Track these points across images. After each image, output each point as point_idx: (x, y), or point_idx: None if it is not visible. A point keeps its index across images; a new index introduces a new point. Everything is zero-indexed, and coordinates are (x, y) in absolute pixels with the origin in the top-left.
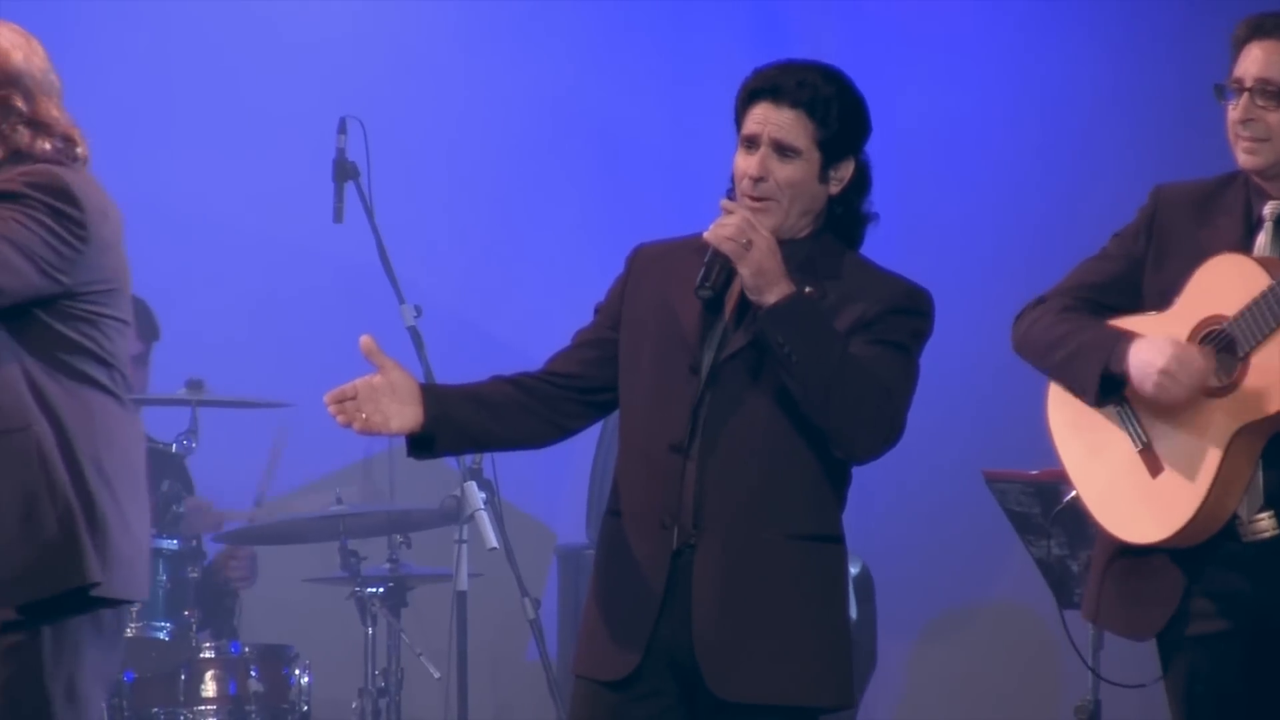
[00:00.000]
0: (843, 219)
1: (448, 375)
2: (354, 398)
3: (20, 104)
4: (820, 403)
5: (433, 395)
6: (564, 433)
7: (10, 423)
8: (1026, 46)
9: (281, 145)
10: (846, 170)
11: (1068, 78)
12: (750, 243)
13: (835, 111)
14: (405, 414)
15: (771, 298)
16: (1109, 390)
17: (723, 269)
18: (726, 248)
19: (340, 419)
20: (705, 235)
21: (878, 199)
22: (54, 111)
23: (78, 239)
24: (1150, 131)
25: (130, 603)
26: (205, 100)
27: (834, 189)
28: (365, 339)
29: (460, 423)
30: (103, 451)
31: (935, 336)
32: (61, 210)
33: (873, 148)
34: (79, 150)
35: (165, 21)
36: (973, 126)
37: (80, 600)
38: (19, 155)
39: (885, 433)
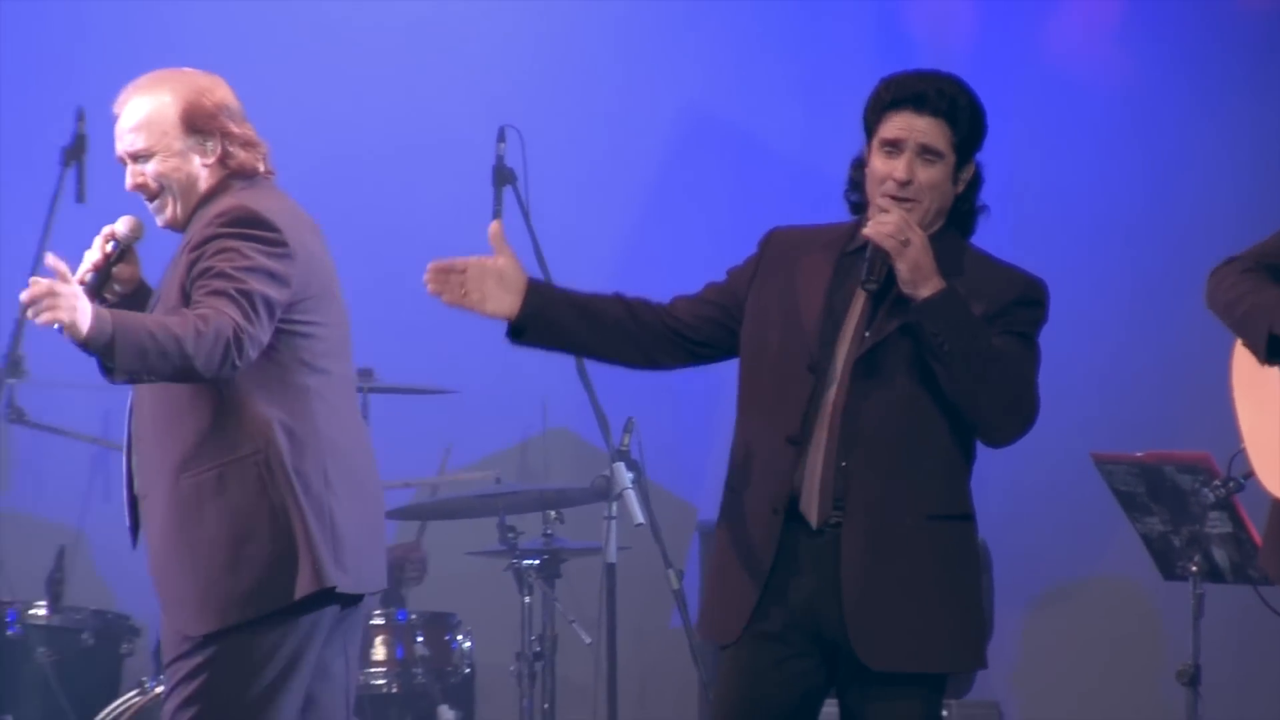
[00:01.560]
0: (962, 213)
1: (601, 366)
2: (462, 272)
3: (234, 129)
4: (970, 391)
5: (536, 292)
6: (653, 366)
7: (241, 450)
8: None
9: (447, 152)
10: (969, 171)
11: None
12: (908, 240)
13: (967, 117)
14: (503, 301)
15: (925, 291)
16: (1276, 351)
17: (884, 265)
18: (887, 245)
19: (432, 287)
20: (865, 232)
21: (990, 193)
22: (252, 132)
23: (283, 262)
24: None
25: (358, 597)
26: (382, 111)
27: (959, 189)
28: (495, 224)
29: (556, 325)
30: (328, 460)
31: (1046, 327)
32: (262, 236)
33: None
34: (263, 169)
35: (345, 35)
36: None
37: (315, 600)
38: (240, 174)
39: (1027, 417)
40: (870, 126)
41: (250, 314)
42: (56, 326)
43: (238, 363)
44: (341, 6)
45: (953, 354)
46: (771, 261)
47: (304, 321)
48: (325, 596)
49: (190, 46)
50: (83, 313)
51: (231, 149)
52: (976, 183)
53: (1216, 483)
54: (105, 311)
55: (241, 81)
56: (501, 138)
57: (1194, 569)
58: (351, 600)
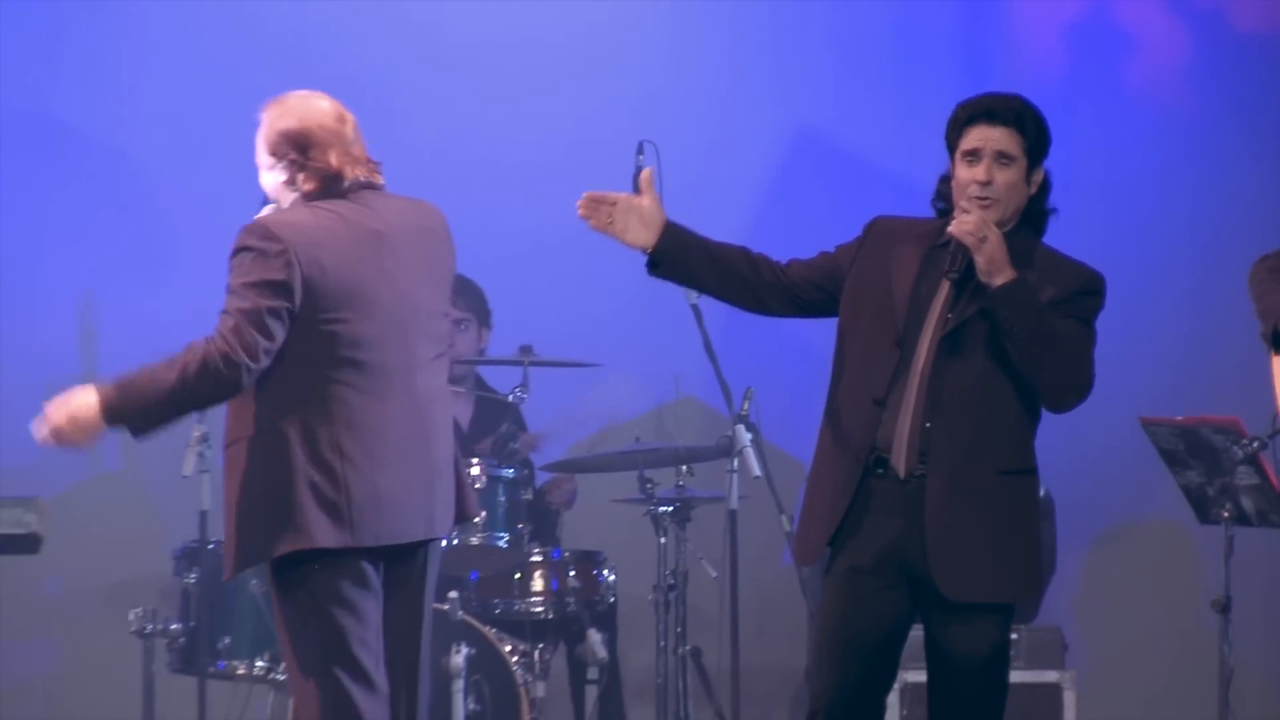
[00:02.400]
0: (1035, 214)
1: (724, 344)
2: (612, 204)
3: (299, 155)
4: (1035, 365)
5: (671, 233)
6: (764, 311)
7: (255, 428)
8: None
9: (592, 159)
10: (1039, 175)
11: None
12: (985, 237)
13: (1033, 127)
14: (641, 235)
15: (999, 280)
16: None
17: (964, 257)
18: (968, 240)
19: (583, 212)
20: (950, 229)
21: (1058, 196)
22: (326, 158)
23: (284, 271)
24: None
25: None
26: (540, 123)
27: (1032, 190)
28: (647, 170)
29: (686, 263)
30: (345, 436)
31: (1104, 311)
32: (259, 248)
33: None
34: (344, 185)
35: (505, 55)
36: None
37: (320, 555)
38: (310, 196)
39: (1083, 389)
40: (952, 142)
41: (242, 326)
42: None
43: (239, 376)
44: (498, 30)
45: (1020, 334)
46: (872, 246)
47: (331, 319)
48: (334, 552)
49: (353, 64)
50: (91, 428)
51: (296, 175)
52: (1046, 187)
53: (1244, 441)
54: (108, 394)
55: (411, 94)
56: (640, 150)
57: (1226, 515)
58: (383, 553)
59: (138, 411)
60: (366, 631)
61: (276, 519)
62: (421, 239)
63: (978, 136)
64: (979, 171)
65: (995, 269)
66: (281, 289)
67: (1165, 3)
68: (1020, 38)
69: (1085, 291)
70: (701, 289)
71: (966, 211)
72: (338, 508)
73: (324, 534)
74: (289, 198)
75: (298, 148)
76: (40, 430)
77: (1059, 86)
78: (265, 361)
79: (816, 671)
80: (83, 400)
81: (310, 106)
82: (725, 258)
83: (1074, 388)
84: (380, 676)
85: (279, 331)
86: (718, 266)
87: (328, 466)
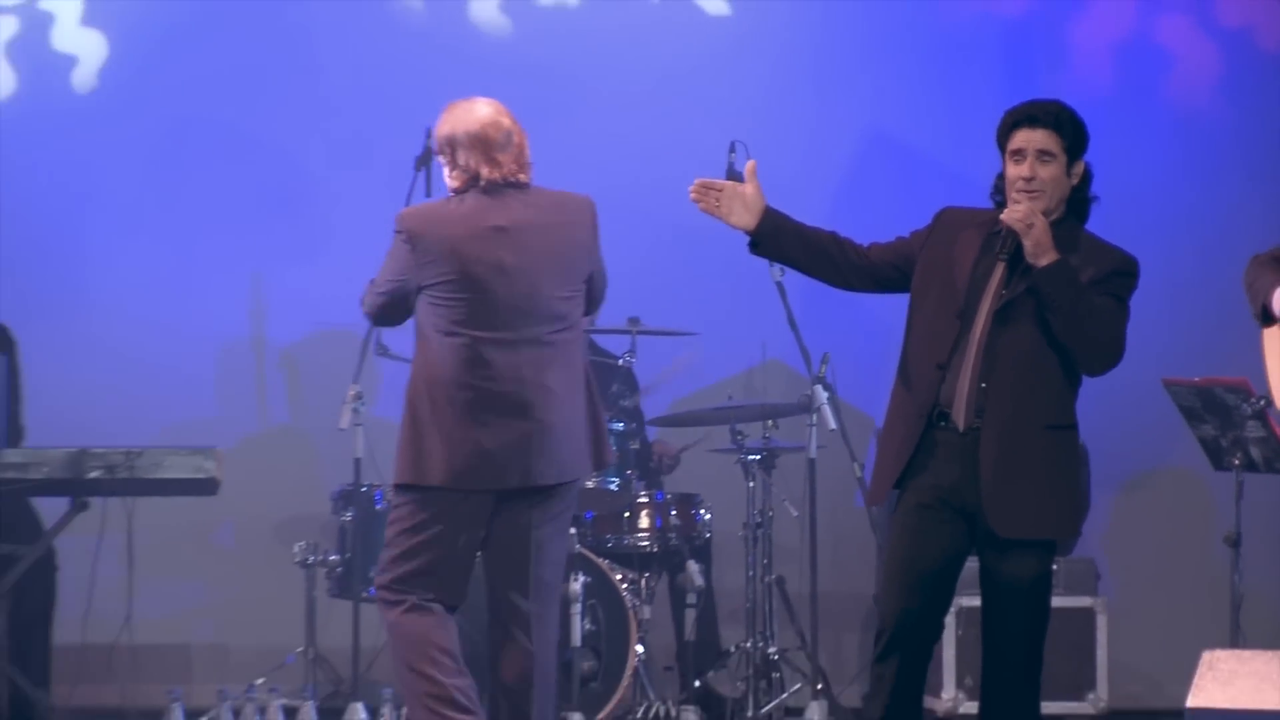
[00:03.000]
0: (1078, 203)
1: (804, 315)
2: (719, 190)
3: (449, 157)
4: (1074, 336)
5: (770, 218)
6: (847, 287)
7: (412, 378)
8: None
9: (691, 155)
10: (1079, 168)
11: None
12: (1032, 224)
13: (1070, 128)
14: (744, 218)
15: (1044, 261)
16: (1269, 319)
17: (1014, 241)
18: (1017, 227)
19: (694, 196)
20: (1002, 217)
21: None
22: (468, 160)
23: (403, 249)
24: None
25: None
26: (646, 130)
27: (1074, 181)
28: (751, 163)
29: (780, 244)
30: (437, 393)
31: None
32: (396, 233)
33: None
34: (481, 183)
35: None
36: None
37: (419, 488)
38: (461, 189)
39: (1114, 358)
40: (1001, 144)
41: (368, 290)
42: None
43: (371, 324)
44: (624, 46)
45: (1061, 308)
46: (939, 232)
47: (437, 297)
48: (426, 487)
49: (501, 66)
50: None
51: (450, 171)
52: (1087, 179)
53: (1253, 400)
54: None
55: (560, 110)
56: (732, 149)
57: (1236, 463)
58: (465, 491)
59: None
60: None
61: (401, 452)
62: (548, 232)
63: (1022, 138)
64: (1024, 169)
65: (1040, 251)
66: (394, 264)
67: (1198, 22)
68: (1067, 55)
69: (1120, 273)
70: (795, 267)
71: (1017, 202)
72: (429, 452)
73: (416, 473)
74: (450, 190)
75: (450, 149)
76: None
77: (1103, 98)
78: (381, 317)
79: (885, 596)
80: None
81: (464, 114)
82: (816, 240)
83: (1106, 356)
84: None
85: (394, 294)
86: (810, 248)
87: (422, 419)
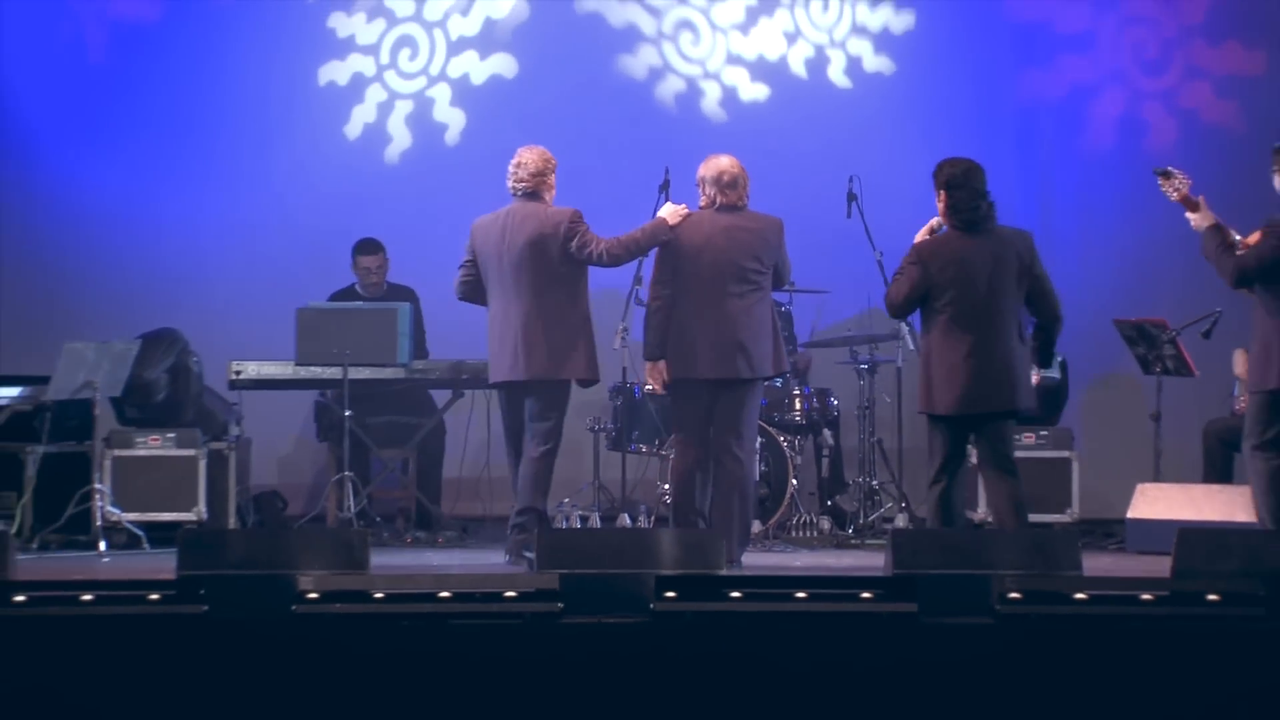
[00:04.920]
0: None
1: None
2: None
3: (702, 188)
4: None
5: None
6: None
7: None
8: None
9: (810, 183)
10: (939, 199)
11: None
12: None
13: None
14: None
15: None
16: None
17: None
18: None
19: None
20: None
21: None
22: (713, 191)
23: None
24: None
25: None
26: (782, 159)
27: (940, 204)
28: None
29: None
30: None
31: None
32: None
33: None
34: (716, 204)
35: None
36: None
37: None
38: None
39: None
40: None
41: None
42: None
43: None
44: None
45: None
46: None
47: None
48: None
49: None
50: None
51: (701, 196)
52: (948, 202)
53: (1168, 332)
54: None
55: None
56: (851, 180)
57: (1158, 370)
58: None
59: None
60: None
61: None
62: (750, 234)
63: None
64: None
65: None
66: (649, 240)
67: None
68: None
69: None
70: None
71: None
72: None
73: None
74: (700, 206)
75: (703, 183)
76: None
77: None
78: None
79: (938, 448)
80: None
81: (712, 163)
82: None
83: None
84: None
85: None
86: None
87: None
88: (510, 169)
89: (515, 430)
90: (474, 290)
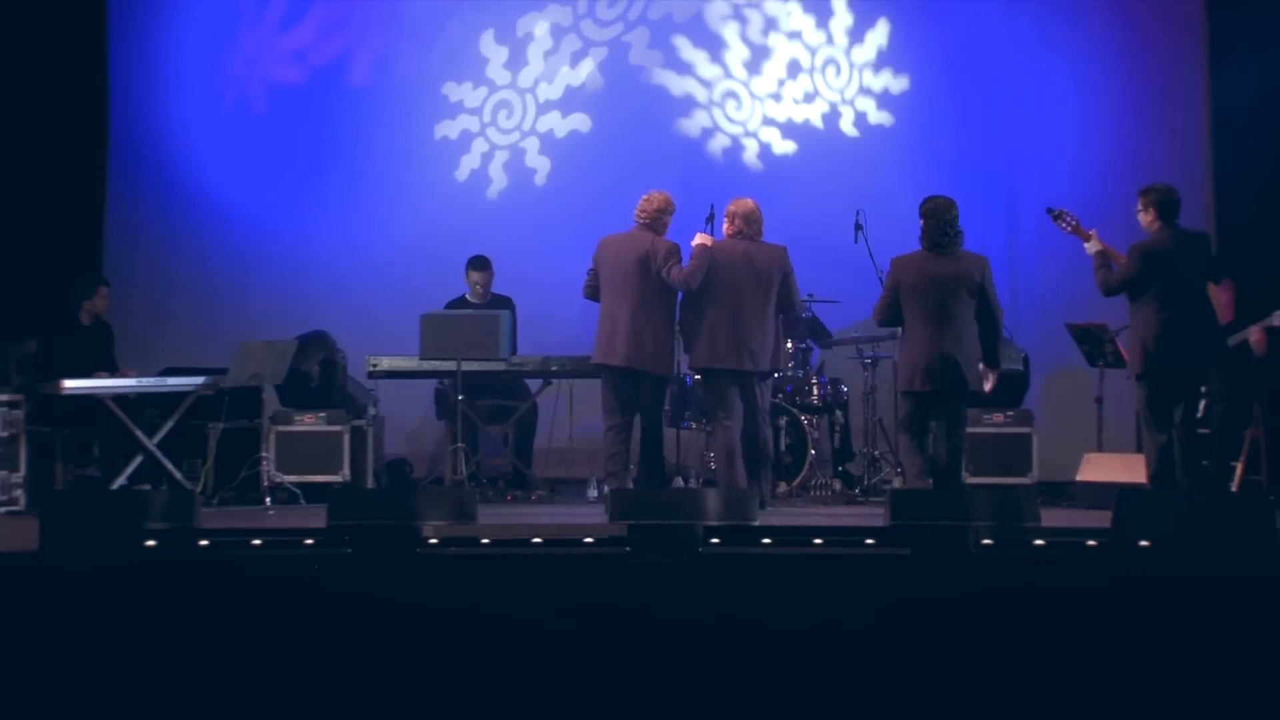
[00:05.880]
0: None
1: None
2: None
3: (729, 222)
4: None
5: None
6: None
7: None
8: None
9: (822, 215)
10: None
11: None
12: None
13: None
14: None
15: None
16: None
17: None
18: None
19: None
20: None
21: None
22: (739, 224)
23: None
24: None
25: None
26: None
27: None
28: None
29: None
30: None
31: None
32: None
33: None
34: (740, 235)
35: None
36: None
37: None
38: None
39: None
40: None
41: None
42: None
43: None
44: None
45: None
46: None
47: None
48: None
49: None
50: None
51: (727, 228)
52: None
53: (1109, 333)
54: None
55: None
56: (858, 213)
57: (1101, 363)
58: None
59: None
60: None
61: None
62: (762, 258)
63: None
64: None
65: None
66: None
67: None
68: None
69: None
70: None
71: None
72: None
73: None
74: (725, 235)
75: (731, 218)
76: None
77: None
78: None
79: (910, 442)
80: None
81: (740, 203)
82: None
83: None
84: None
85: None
86: None
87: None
88: (640, 201)
89: (617, 402)
90: (596, 292)
